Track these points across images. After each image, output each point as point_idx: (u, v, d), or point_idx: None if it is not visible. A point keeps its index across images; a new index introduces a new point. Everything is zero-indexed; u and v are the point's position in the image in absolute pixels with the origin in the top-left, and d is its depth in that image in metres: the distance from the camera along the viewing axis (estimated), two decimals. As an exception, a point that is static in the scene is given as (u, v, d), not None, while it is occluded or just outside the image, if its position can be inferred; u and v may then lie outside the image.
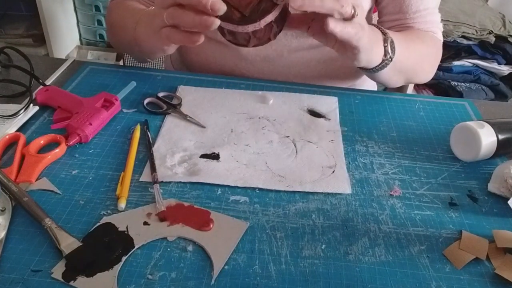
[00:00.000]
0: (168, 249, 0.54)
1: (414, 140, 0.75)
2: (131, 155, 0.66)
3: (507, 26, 1.86)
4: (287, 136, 0.73)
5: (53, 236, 0.53)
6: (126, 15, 0.82)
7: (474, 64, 1.89)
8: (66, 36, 2.04)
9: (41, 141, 0.68)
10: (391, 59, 0.72)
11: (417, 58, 0.82)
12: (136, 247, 0.54)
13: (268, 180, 0.64)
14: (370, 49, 0.68)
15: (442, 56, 1.85)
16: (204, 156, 0.68)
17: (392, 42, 0.72)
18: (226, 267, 0.52)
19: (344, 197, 0.63)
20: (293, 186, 0.63)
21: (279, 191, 0.63)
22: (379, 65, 0.73)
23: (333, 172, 0.67)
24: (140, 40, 0.76)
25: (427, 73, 0.89)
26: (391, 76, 0.80)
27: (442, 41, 0.87)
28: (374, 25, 0.73)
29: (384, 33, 0.72)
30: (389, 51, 0.71)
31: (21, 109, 0.74)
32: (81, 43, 2.14)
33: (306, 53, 0.88)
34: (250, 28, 0.60)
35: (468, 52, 1.86)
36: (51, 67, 0.88)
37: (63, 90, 0.78)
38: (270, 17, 0.59)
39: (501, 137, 0.68)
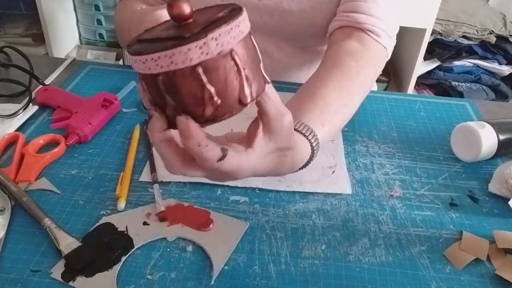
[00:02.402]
0: (168, 249, 0.54)
1: (414, 140, 0.75)
2: (131, 154, 0.66)
3: (508, 26, 1.86)
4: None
5: (52, 236, 0.53)
6: (125, 18, 0.81)
7: (474, 64, 1.89)
8: (66, 35, 2.04)
9: (41, 140, 0.68)
10: (318, 149, 0.53)
11: (352, 110, 0.63)
12: (135, 247, 0.54)
13: (268, 180, 0.64)
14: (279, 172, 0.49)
15: (443, 56, 1.86)
16: (204, 156, 0.67)
17: (315, 139, 0.52)
18: (226, 267, 0.52)
19: (344, 197, 0.63)
20: (293, 186, 0.63)
21: (279, 191, 0.63)
22: (306, 163, 0.53)
23: (333, 172, 0.66)
24: None
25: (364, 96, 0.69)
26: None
27: (387, 48, 0.71)
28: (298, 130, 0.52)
29: (307, 134, 0.52)
30: (314, 148, 0.53)
31: (21, 108, 0.73)
32: (81, 43, 2.14)
33: (298, 54, 0.88)
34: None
35: (469, 52, 1.86)
36: (51, 67, 0.88)
37: (62, 90, 0.78)
38: None
39: (501, 137, 0.68)
